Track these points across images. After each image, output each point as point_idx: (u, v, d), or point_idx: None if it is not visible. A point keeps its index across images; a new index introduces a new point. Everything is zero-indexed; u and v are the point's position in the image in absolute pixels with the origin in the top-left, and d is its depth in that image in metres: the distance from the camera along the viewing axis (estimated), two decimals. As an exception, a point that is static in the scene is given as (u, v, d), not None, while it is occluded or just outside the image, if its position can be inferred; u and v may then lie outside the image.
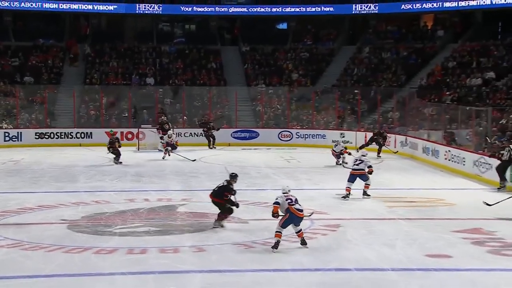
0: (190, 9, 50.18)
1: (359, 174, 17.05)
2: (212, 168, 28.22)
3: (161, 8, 49.55)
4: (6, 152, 33.36)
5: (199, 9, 50.54)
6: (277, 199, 12.69)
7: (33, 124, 39.60)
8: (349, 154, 26.32)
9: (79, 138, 38.55)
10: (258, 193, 22.13)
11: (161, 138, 33.37)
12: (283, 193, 12.80)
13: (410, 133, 33.70)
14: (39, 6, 47.66)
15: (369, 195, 17.06)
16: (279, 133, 38.84)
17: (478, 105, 33.98)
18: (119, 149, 26.71)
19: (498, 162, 22.32)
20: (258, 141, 38.78)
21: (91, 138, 38.26)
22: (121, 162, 26.51)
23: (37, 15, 50.60)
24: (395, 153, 30.90)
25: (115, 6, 49.36)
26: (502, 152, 21.01)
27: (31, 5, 47.53)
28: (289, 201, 12.23)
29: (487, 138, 27.41)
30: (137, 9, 49.24)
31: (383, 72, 45.68)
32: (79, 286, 12.24)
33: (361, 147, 29.00)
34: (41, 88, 42.80)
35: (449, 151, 28.04)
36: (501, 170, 19.47)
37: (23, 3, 47.54)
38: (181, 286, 12.13)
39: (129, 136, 37.35)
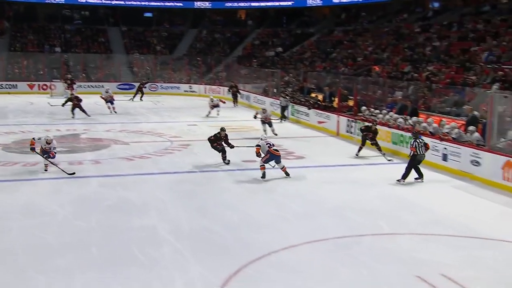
0: (84, 0, 57.27)
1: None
2: (105, 109, 32.05)
3: (63, -1, 57.06)
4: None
5: (91, 1, 57.43)
6: (258, 142, 15.24)
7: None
8: (223, 102, 32.95)
9: (8, 88, 44.66)
10: (136, 125, 27.90)
11: (67, 88, 40.02)
12: (262, 139, 15.29)
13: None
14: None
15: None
16: (149, 86, 46.15)
17: (273, 68, 42.92)
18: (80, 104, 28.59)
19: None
20: (135, 91, 43.87)
21: (17, 88, 45.05)
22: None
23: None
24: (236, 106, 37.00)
25: (30, -3, 55.82)
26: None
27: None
28: (268, 145, 14.80)
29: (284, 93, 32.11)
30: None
31: (215, 47, 56.75)
32: (12, 188, 15.31)
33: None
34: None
35: (255, 96, 37.58)
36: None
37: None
38: (84, 185, 15.53)
39: (44, 87, 44.90)
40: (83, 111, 28.33)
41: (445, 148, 17.41)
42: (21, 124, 26.05)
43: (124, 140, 22.70)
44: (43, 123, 25.39)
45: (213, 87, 45.31)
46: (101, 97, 32.05)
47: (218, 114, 29.73)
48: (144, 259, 9.78)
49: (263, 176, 15.00)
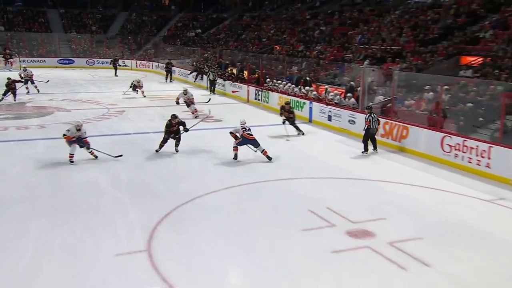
0: None
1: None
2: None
3: (5, -18, 51.78)
4: None
5: None
6: (232, 129, 13.34)
7: None
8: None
9: None
10: (76, 94, 26.98)
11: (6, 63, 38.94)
12: (241, 123, 13.39)
13: (162, 61, 40.55)
14: None
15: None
16: (86, 61, 45.58)
17: (194, 47, 42.87)
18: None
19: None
20: (74, 65, 44.72)
21: None
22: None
23: None
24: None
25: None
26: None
27: None
28: (243, 129, 13.08)
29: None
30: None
31: (144, 28, 54.10)
32: None
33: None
34: None
35: (179, 70, 36.79)
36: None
37: None
38: (32, 147, 14.84)
39: None
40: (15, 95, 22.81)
41: (330, 111, 18.06)
42: None
43: (66, 108, 21.89)
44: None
45: (144, 62, 44.45)
46: (20, 76, 25.95)
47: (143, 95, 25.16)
48: (88, 207, 9.85)
49: (235, 157, 13.21)
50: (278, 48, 33.93)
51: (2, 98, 22.35)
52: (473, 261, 7.70)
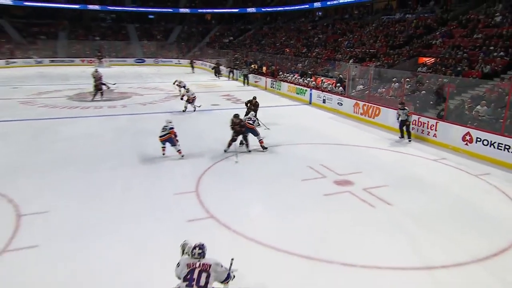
0: (112, 8, 51.61)
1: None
2: (127, 73, 34.27)
3: None
4: None
5: (117, 8, 51.65)
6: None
7: None
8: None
9: (69, 62, 40.83)
10: (146, 84, 26.86)
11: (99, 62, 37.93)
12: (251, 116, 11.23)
13: (205, 60, 41.14)
14: None
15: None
16: (153, 60, 44.46)
17: (227, 50, 42.35)
18: None
19: None
20: (145, 63, 43.52)
21: (73, 62, 41.25)
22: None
23: None
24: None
25: None
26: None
27: None
28: (249, 119, 11.01)
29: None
30: None
31: (193, 36, 51.90)
32: (76, 122, 14.37)
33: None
34: None
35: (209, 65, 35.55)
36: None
37: None
38: (118, 120, 14.28)
39: (90, 61, 41.02)
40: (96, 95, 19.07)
41: (324, 96, 17.95)
42: (78, 84, 24.66)
43: (140, 93, 21.84)
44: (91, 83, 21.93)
45: (197, 61, 41.79)
46: (92, 75, 20.44)
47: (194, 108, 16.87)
48: (157, 161, 10.03)
49: (240, 143, 11.12)
50: (287, 50, 33.45)
51: (93, 99, 18.88)
52: (421, 201, 7.81)
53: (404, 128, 12.42)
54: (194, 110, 16.45)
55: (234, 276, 4.40)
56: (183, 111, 16.06)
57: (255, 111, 13.14)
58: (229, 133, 10.72)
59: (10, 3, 44.13)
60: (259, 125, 12.72)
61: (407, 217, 7.10)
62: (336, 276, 5.45)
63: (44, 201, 7.63)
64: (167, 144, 10.20)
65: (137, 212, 7.27)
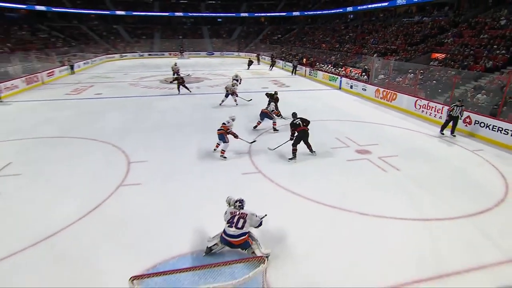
0: (188, 14, 49.74)
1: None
2: (200, 63, 35.37)
3: None
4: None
5: (192, 14, 49.95)
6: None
7: None
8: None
9: (161, 55, 39.64)
10: (214, 71, 26.76)
11: (180, 55, 36.54)
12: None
13: (260, 52, 37.76)
14: None
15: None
16: (220, 53, 42.16)
17: (276, 45, 42.73)
18: None
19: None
20: (213, 56, 41.33)
21: (164, 55, 39.74)
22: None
23: None
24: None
25: None
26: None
27: None
28: (267, 107, 9.99)
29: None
30: None
31: (250, 34, 50.48)
32: (164, 99, 13.85)
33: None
34: None
35: (266, 57, 37.66)
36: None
37: None
38: (194, 98, 13.81)
39: (175, 54, 39.45)
40: (186, 87, 15.56)
41: (351, 83, 17.10)
42: (167, 71, 23.70)
43: (209, 78, 21.14)
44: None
45: (248, 53, 40.67)
46: (172, 69, 20.01)
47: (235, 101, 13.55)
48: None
49: (255, 127, 10.04)
50: (324, 45, 31.65)
51: (179, 91, 15.47)
52: (424, 169, 7.48)
53: (451, 123, 9.60)
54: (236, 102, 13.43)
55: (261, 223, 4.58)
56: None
57: (276, 103, 11.19)
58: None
59: (123, 13, 46.14)
60: (281, 115, 11.17)
61: (412, 181, 6.86)
62: (353, 222, 5.48)
63: (145, 153, 8.04)
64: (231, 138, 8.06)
65: (205, 166, 7.42)
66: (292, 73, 24.27)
